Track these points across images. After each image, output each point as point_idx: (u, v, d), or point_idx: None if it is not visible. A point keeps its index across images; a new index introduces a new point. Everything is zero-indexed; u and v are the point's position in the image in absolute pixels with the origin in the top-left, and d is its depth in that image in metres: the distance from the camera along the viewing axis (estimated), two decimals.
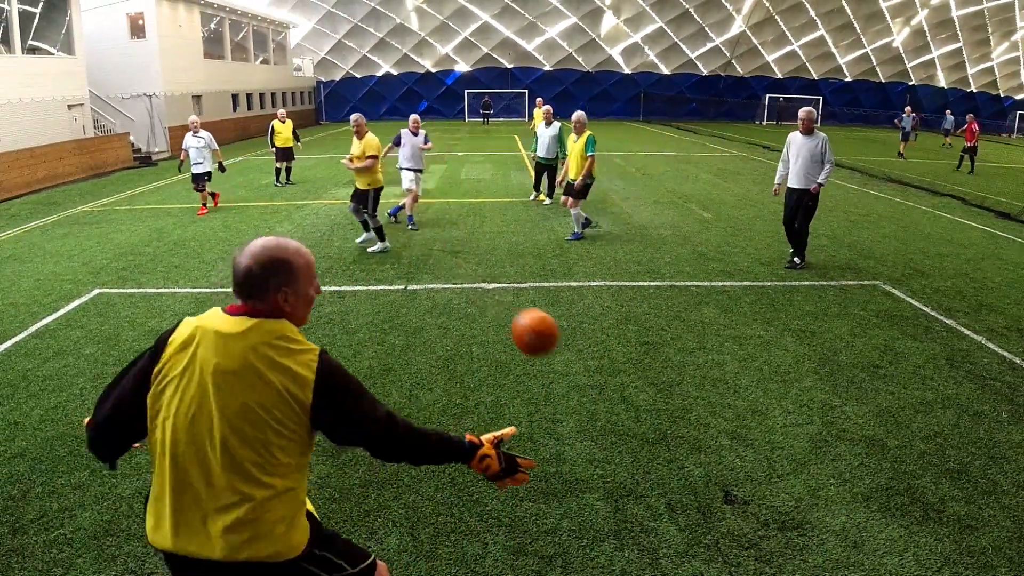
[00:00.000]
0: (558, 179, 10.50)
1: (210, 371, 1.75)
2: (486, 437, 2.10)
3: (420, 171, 10.74)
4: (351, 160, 8.96)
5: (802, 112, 8.11)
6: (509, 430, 2.17)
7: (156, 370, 1.82)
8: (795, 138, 8.14)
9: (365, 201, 8.93)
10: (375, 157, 8.84)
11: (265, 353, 1.76)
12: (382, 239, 9.08)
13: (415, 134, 10.59)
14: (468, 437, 2.07)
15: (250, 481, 1.76)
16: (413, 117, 10.99)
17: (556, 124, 12.35)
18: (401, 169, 10.69)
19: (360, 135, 8.94)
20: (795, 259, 8.43)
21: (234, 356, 1.75)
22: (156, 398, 1.81)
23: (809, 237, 8.52)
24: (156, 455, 1.82)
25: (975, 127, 19.21)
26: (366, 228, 9.27)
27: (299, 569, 1.88)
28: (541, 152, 12.52)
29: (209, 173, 12.03)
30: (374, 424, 1.88)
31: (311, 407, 1.78)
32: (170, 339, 1.84)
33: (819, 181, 7.99)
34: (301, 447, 1.83)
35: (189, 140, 11.92)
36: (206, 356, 1.76)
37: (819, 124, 41.82)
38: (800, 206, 8.16)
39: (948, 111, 28.61)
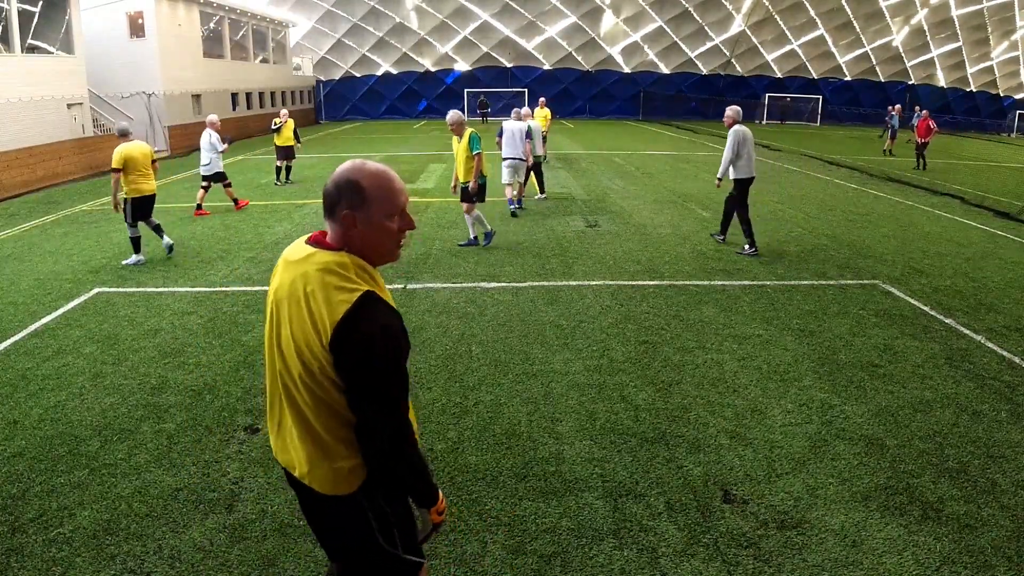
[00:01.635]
0: (451, 185, 9.94)
1: (272, 296, 1.87)
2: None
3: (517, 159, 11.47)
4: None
5: (727, 110, 9.11)
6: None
7: None
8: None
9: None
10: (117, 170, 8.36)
11: (312, 282, 1.73)
12: (137, 251, 8.62)
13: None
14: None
15: (299, 403, 1.81)
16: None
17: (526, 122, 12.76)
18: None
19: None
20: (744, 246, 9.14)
21: (287, 282, 1.80)
22: None
23: (744, 225, 9.07)
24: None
25: (930, 123, 18.93)
26: (159, 232, 8.81)
27: (354, 505, 1.89)
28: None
29: (221, 173, 12.20)
30: (379, 410, 1.74)
31: (331, 351, 1.70)
32: None
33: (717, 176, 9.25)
34: (336, 388, 1.75)
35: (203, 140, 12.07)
36: (275, 282, 1.88)
37: (819, 123, 41.61)
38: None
39: (917, 107, 28.50)
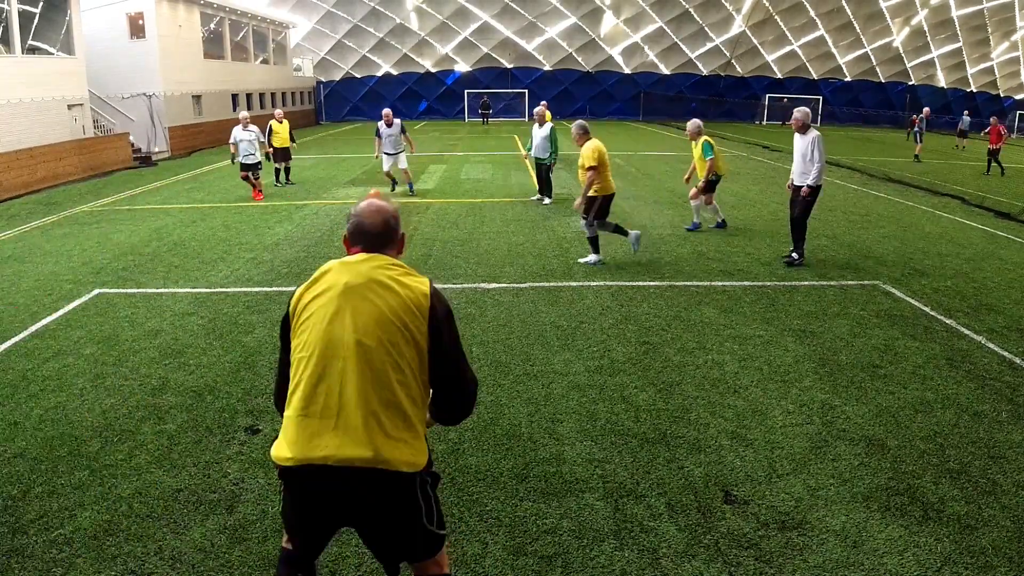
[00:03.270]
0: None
1: (340, 288, 2.09)
2: None
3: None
4: None
5: (795, 112, 8.42)
6: None
7: (291, 313, 2.17)
8: (795, 137, 8.48)
9: None
10: None
11: (387, 272, 2.13)
12: None
13: (389, 125, 13.46)
14: None
15: (383, 385, 2.04)
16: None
17: (548, 124, 12.74)
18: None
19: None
20: (792, 255, 8.53)
21: (361, 274, 2.11)
22: (296, 330, 2.14)
23: (807, 234, 8.60)
24: (299, 371, 2.08)
25: (1002, 129, 19.03)
26: None
27: (420, 483, 2.13)
28: (536, 152, 12.90)
29: (260, 163, 13.82)
30: (466, 371, 2.24)
31: (428, 319, 2.10)
32: (294, 296, 2.19)
33: (808, 183, 8.12)
34: (423, 362, 2.10)
35: (240, 134, 13.57)
36: (336, 279, 2.12)
37: (818, 124, 41.60)
38: (795, 201, 8.43)
39: (966, 112, 28.48)
